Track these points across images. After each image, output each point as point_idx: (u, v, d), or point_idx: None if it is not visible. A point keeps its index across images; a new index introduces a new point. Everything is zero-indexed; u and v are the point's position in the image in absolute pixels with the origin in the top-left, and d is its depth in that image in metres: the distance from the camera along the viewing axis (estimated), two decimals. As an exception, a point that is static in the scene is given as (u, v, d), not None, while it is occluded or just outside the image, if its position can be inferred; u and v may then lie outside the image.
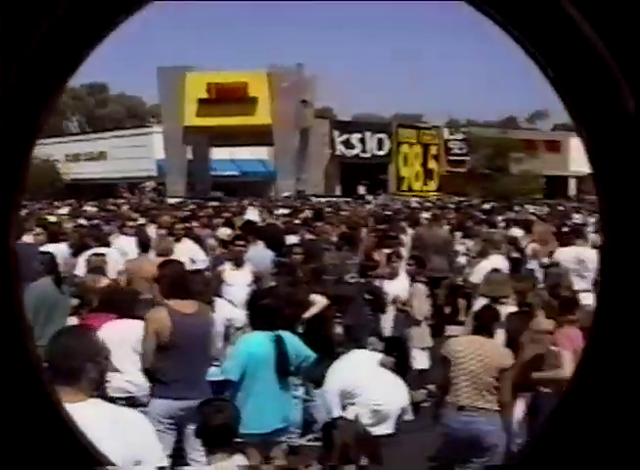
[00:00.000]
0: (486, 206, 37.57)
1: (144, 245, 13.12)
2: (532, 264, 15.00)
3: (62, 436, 2.83)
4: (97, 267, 11.08)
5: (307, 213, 25.14)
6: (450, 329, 11.58)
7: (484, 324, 7.59)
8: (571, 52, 2.40)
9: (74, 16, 2.48)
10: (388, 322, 11.99)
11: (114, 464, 3.60)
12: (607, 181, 2.48)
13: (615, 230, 2.49)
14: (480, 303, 9.48)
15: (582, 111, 2.49)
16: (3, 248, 2.59)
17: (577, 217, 29.45)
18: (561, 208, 38.69)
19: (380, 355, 8.63)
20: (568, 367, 7.46)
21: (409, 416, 8.37)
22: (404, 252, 14.96)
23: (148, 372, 7.70)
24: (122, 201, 43.61)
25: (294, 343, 8.01)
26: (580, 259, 13.66)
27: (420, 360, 11.56)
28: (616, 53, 2.34)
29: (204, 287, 9.08)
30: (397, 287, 12.00)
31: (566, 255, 13.84)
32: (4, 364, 2.62)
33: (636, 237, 2.41)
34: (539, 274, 13.26)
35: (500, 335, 8.09)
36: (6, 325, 2.62)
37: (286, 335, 7.95)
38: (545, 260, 14.60)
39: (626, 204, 2.42)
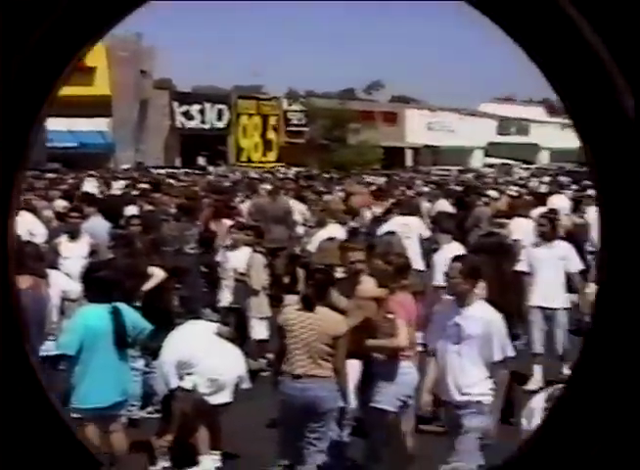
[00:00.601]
0: (325, 176, 37.99)
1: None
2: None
3: (63, 438, 2.82)
4: None
5: (146, 185, 24.89)
6: (289, 298, 11.68)
7: (317, 292, 7.67)
8: (570, 53, 2.44)
9: (74, 16, 2.53)
10: (228, 292, 12.07)
11: (113, 465, 3.58)
12: (606, 183, 2.53)
13: (614, 230, 2.56)
14: (316, 271, 9.58)
15: (581, 112, 2.53)
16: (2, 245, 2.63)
17: (414, 187, 30.30)
18: (397, 178, 39.52)
19: (216, 325, 8.67)
20: (402, 335, 7.66)
21: (247, 385, 8.45)
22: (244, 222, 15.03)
23: None
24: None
25: (130, 315, 7.97)
26: (404, 224, 14.03)
27: (259, 330, 11.66)
28: (616, 54, 2.38)
29: (38, 260, 8.91)
30: (240, 257, 12.05)
31: (392, 223, 14.16)
32: (4, 368, 2.60)
33: (636, 237, 2.49)
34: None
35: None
36: (5, 328, 2.62)
37: (123, 307, 7.90)
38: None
39: (625, 204, 2.48)
